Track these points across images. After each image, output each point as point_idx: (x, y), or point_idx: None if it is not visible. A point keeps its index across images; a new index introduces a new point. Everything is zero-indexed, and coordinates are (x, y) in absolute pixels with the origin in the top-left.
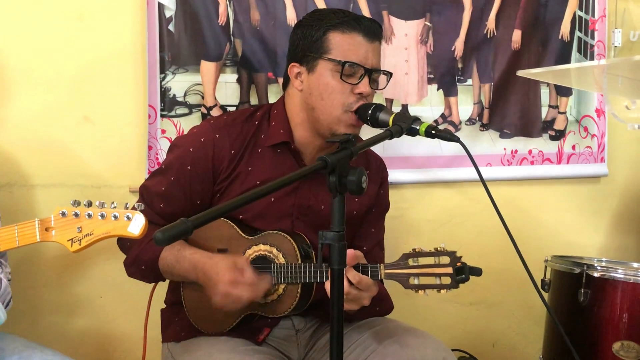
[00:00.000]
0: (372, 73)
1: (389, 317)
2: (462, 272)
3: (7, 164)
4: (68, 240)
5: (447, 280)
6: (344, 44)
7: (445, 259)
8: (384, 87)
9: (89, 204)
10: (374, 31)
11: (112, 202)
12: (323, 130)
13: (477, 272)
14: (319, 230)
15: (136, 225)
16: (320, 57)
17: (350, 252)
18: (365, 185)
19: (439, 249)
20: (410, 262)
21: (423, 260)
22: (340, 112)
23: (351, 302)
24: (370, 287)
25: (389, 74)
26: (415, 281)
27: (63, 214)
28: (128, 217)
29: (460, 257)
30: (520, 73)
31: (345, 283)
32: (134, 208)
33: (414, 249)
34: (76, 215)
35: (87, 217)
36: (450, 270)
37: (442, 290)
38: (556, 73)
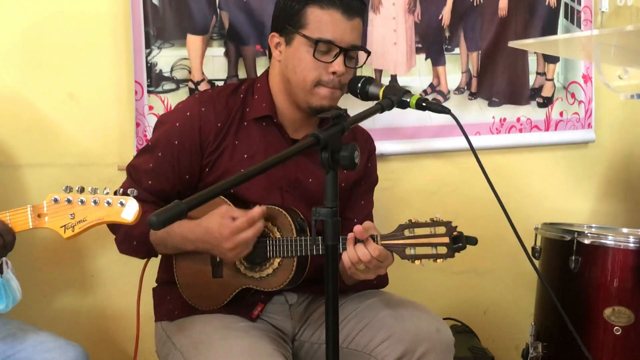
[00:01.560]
0: (348, 51)
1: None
2: (459, 241)
3: None
4: (61, 227)
5: (443, 250)
6: (320, 20)
7: (441, 229)
8: (362, 65)
9: (81, 190)
10: (353, 8)
11: (105, 188)
12: (299, 102)
13: (473, 241)
14: (311, 205)
15: (130, 211)
16: (297, 31)
17: (364, 225)
18: (358, 161)
19: (434, 219)
20: (407, 232)
21: (419, 231)
22: (311, 86)
23: (369, 272)
24: (388, 257)
25: (368, 52)
26: (411, 251)
27: (55, 200)
28: (122, 203)
29: (456, 226)
30: (512, 44)
31: (367, 253)
32: (126, 194)
33: (410, 220)
34: (69, 201)
35: (79, 203)
36: (446, 240)
37: (438, 260)
38: (547, 43)
